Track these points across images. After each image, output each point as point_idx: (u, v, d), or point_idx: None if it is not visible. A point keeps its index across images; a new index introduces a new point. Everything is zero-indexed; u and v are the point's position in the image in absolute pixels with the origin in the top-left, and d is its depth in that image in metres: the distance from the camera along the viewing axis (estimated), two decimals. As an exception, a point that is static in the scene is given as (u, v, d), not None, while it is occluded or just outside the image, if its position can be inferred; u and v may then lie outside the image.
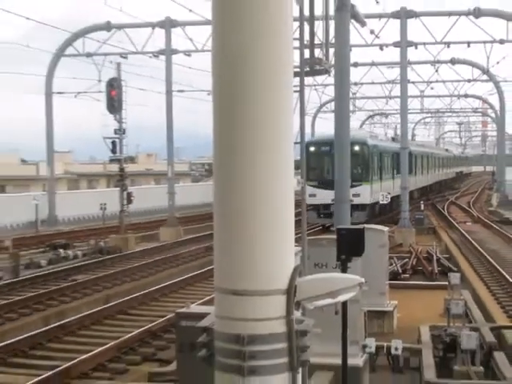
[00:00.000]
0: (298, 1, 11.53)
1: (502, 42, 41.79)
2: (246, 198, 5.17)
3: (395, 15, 38.56)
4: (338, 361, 10.44)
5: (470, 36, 43.40)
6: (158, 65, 44.20)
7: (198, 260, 32.03)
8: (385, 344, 14.43)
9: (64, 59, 45.79)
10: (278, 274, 5.24)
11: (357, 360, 12.52)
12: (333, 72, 20.42)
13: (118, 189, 38.49)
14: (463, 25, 39.82)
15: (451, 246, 34.47)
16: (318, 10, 15.73)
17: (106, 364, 15.60)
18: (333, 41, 18.60)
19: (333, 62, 18.44)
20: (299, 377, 5.45)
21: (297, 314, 5.37)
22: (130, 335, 17.46)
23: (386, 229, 18.73)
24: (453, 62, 50.55)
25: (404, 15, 38.37)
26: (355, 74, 52.80)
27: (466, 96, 71.31)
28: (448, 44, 43.42)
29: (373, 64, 53.54)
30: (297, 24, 12.42)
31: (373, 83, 61.55)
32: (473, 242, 34.50)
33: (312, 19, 14.84)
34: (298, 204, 7.42)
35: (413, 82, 55.71)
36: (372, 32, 40.22)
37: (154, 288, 24.15)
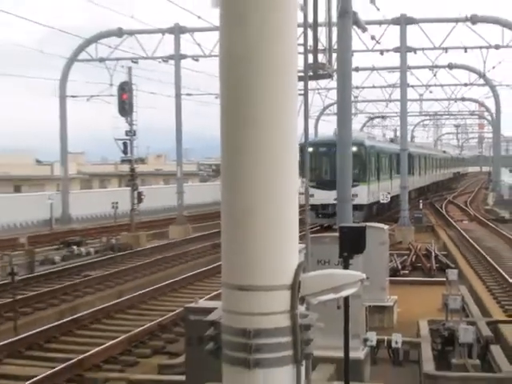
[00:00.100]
0: (302, 8, 11.52)
1: (497, 47, 41.79)
2: (252, 198, 5.17)
3: (395, 22, 38.54)
4: (340, 354, 10.42)
5: (466, 42, 43.37)
6: (168, 69, 44.27)
7: (205, 257, 32.04)
8: (385, 338, 14.42)
9: (77, 64, 45.87)
10: (282, 270, 5.24)
11: (358, 353, 12.52)
12: (335, 76, 20.41)
13: (129, 188, 38.61)
14: (460, 31, 39.88)
15: (449, 244, 34.44)
16: (322, 17, 15.74)
17: (117, 356, 15.60)
18: (335, 46, 18.62)
19: (335, 67, 18.44)
20: (303, 369, 5.44)
21: (301, 309, 5.36)
22: (140, 329, 17.47)
23: (386, 227, 18.72)
24: (450, 66, 50.45)
25: (404, 22, 38.36)
26: (357, 78, 52.70)
27: (463, 99, 71.31)
28: (446, 49, 43.41)
29: (374, 69, 53.56)
30: (301, 30, 12.41)
31: (374, 87, 61.60)
32: (470, 239, 34.47)
33: (316, 26, 14.84)
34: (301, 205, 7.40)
35: (412, 86, 55.68)
36: (373, 38, 40.25)
37: (163, 283, 24.17)
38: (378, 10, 33.35)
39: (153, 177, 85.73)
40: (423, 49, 43.29)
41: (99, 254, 31.95)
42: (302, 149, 9.50)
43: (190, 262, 30.76)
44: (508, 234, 37.28)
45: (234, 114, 5.23)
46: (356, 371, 11.61)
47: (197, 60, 44.04)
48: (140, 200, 38.20)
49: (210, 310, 5.98)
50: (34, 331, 17.12)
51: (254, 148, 5.13)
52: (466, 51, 43.34)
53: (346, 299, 9.65)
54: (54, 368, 13.89)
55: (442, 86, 62.12)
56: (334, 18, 17.74)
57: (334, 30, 17.83)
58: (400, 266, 26.65)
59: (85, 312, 19.55)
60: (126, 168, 40.70)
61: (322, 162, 42.47)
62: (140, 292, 22.57)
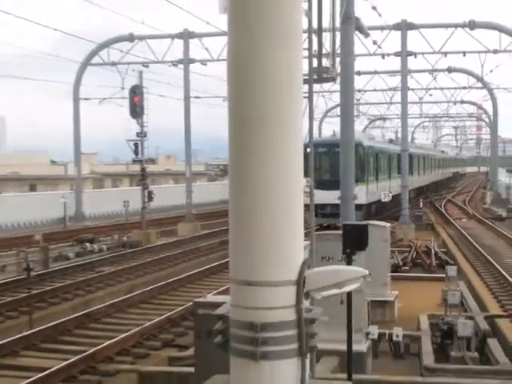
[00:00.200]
0: (307, 14, 11.51)
1: (495, 51, 41.71)
2: (259, 197, 5.18)
3: (396, 27, 38.50)
4: (344, 347, 10.43)
5: (465, 46, 43.29)
6: (177, 73, 44.27)
7: (213, 253, 31.99)
8: (387, 331, 14.40)
9: (90, 68, 45.93)
10: (288, 266, 5.25)
11: (361, 346, 12.53)
12: (338, 79, 20.38)
13: (140, 187, 38.64)
14: (459, 36, 39.74)
15: (448, 241, 34.36)
16: (326, 23, 15.72)
17: (128, 349, 15.61)
18: (339, 51, 18.57)
19: (339, 71, 18.40)
20: (308, 361, 5.45)
21: (306, 304, 5.37)
22: (151, 322, 17.47)
23: (387, 225, 18.70)
24: (449, 70, 50.40)
25: (404, 27, 38.32)
26: (359, 82, 52.70)
27: (462, 102, 71.20)
28: (445, 54, 43.32)
29: (375, 72, 53.43)
30: (306, 35, 12.41)
31: (375, 90, 61.44)
32: (468, 237, 34.40)
33: (320, 31, 14.82)
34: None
35: (412, 89, 55.55)
36: (375, 43, 40.27)
37: (173, 279, 24.17)
38: (380, 15, 33.44)
39: (163, 176, 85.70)
40: (423, 53, 43.20)
41: (111, 251, 31.99)
42: (306, 149, 9.47)
43: (199, 259, 30.75)
44: (505, 231, 37.25)
45: (242, 115, 5.24)
46: (358, 364, 11.62)
47: (205, 64, 44.04)
48: (150, 199, 38.22)
49: (218, 305, 5.98)
50: (49, 325, 17.14)
51: (261, 148, 5.14)
52: (464, 55, 43.35)
53: (349, 294, 9.66)
54: (68, 360, 13.91)
55: (441, 89, 62.04)
56: (338, 24, 17.71)
57: (338, 35, 17.79)
58: (401, 263, 26.60)
59: (97, 306, 19.58)
60: (137, 168, 40.75)
61: (321, 163, 42.16)
62: (150, 287, 22.58)
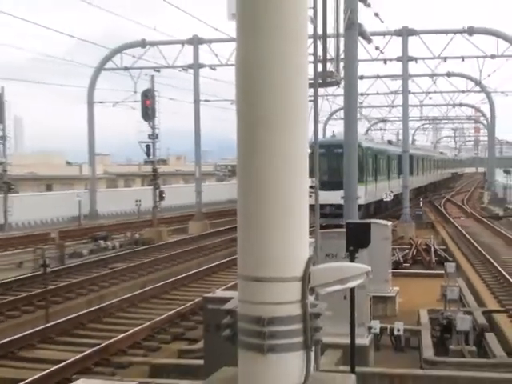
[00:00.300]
0: (313, 21, 11.50)
1: (493, 57, 41.66)
2: (266, 196, 5.17)
3: (398, 33, 38.51)
4: (347, 340, 10.44)
5: (464, 51, 43.27)
6: (187, 77, 44.30)
7: (222, 250, 32.00)
8: (388, 326, 14.41)
9: (104, 72, 46.00)
10: (294, 262, 5.24)
11: (363, 340, 12.53)
12: (342, 84, 20.36)
13: (152, 187, 38.72)
14: (458, 41, 39.79)
15: (447, 239, 34.33)
16: (330, 29, 15.71)
17: (140, 342, 15.63)
18: (343, 56, 18.55)
19: (342, 75, 18.36)
20: (312, 354, 5.45)
21: (311, 299, 5.36)
22: (162, 317, 17.48)
23: (389, 223, 18.70)
24: (449, 74, 50.35)
25: (405, 33, 38.32)
26: (362, 86, 52.59)
27: (461, 105, 71.05)
28: (445, 59, 43.31)
29: (377, 77, 53.39)
30: (311, 41, 12.40)
31: (377, 94, 61.44)
32: (467, 235, 34.37)
33: (325, 37, 14.79)
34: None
35: (413, 93, 55.48)
36: (377, 48, 40.29)
37: (183, 275, 24.19)
38: (382, 22, 33.38)
39: (173, 177, 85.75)
40: (424, 58, 43.19)
41: (124, 248, 32.02)
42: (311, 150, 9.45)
43: (208, 256, 30.76)
44: (502, 230, 37.21)
45: (250, 118, 5.23)
46: (361, 356, 11.62)
47: (214, 69, 44.03)
48: (161, 198, 38.31)
49: (226, 300, 5.96)
50: (64, 319, 17.17)
51: (268, 150, 5.14)
52: (463, 60, 43.31)
53: (352, 290, 9.67)
54: (83, 352, 13.93)
55: (441, 92, 61.97)
56: (342, 30, 17.68)
57: (342, 41, 17.77)
58: (402, 260, 26.60)
59: (111, 301, 19.60)
60: (148, 168, 40.87)
61: (319, 163, 41.63)
62: (162, 283, 22.60)
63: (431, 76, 51.08)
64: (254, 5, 5.16)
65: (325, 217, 37.43)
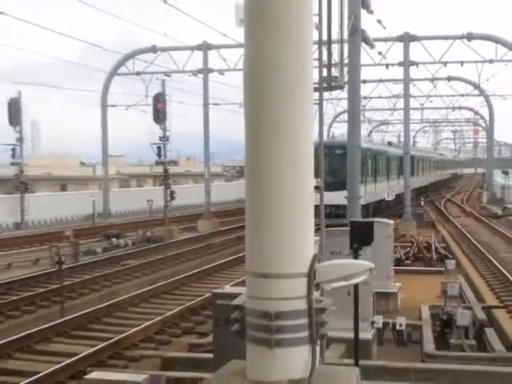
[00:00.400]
0: (317, 27, 11.49)
1: (491, 61, 41.60)
2: (273, 196, 5.18)
3: (399, 39, 38.48)
4: (351, 335, 10.43)
5: (463, 56, 43.23)
6: (197, 82, 44.34)
7: (230, 248, 31.99)
8: (390, 321, 14.39)
9: (117, 77, 46.07)
10: (300, 259, 5.24)
11: (366, 334, 12.53)
12: (346, 87, 20.34)
13: (163, 187, 38.79)
14: (458, 47, 39.68)
15: (447, 237, 34.29)
16: (335, 35, 15.71)
17: (152, 336, 15.64)
18: (346, 61, 18.52)
19: (346, 79, 18.35)
20: (318, 348, 5.44)
21: (316, 294, 5.36)
22: (172, 312, 17.49)
23: (391, 222, 18.68)
24: (449, 79, 50.20)
25: (407, 39, 38.28)
26: (365, 90, 52.49)
27: (460, 108, 71.03)
28: (445, 63, 43.19)
29: (380, 81, 53.32)
30: (316, 46, 12.40)
31: (380, 97, 61.35)
32: (466, 233, 34.31)
33: (329, 42, 14.81)
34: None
35: (414, 96, 55.42)
36: (380, 53, 40.26)
37: (193, 271, 24.20)
38: (385, 28, 33.34)
39: (183, 177, 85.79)
40: (424, 63, 43.10)
41: (136, 246, 32.07)
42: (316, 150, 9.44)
43: (217, 253, 30.76)
44: (500, 228, 37.14)
45: (257, 121, 5.23)
46: (364, 350, 11.62)
47: (222, 73, 44.06)
48: (172, 197, 38.38)
49: (235, 295, 5.98)
50: (79, 313, 17.20)
51: (275, 151, 5.14)
52: (462, 65, 43.23)
53: (356, 286, 9.66)
54: (96, 346, 13.95)
55: (441, 96, 61.82)
56: (346, 36, 17.67)
57: (346, 46, 17.75)
58: (403, 257, 26.54)
59: (123, 297, 19.62)
60: (160, 169, 40.94)
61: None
62: (173, 279, 22.61)
63: (432, 80, 50.97)
64: (261, 11, 5.16)
65: (326, 217, 37.20)
